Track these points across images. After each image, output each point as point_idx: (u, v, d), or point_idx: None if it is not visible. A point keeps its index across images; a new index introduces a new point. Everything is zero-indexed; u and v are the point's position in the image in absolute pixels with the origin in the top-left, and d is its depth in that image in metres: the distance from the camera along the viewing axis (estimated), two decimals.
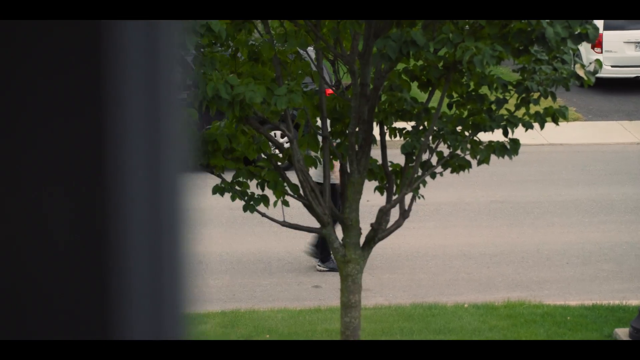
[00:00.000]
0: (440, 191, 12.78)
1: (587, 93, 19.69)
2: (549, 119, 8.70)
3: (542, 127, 8.70)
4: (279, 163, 8.46)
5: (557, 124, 8.86)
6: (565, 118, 8.81)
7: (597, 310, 10.03)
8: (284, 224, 8.28)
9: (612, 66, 20.22)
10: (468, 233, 11.92)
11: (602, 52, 20.04)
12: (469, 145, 8.64)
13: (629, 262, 10.86)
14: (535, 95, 8.61)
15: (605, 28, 20.01)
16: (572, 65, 8.99)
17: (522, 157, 14.42)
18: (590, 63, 9.03)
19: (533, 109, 8.66)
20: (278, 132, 10.56)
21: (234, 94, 7.48)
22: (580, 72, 8.80)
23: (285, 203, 8.24)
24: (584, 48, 19.74)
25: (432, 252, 11.73)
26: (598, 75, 20.78)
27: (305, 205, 8.21)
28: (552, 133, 14.82)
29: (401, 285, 11.10)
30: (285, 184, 8.27)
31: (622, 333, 9.34)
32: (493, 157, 8.70)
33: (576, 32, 8.30)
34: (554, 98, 8.59)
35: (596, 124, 18.25)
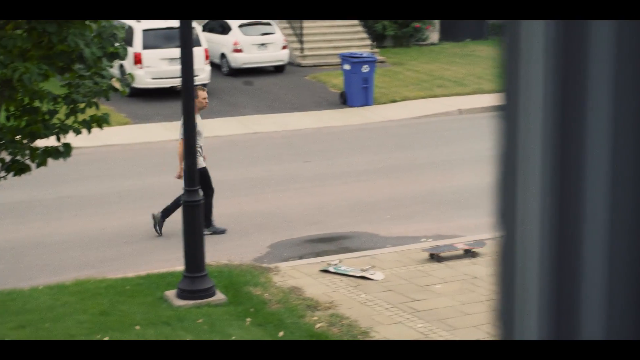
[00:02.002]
0: (15, 191, 12.70)
1: (134, 102, 20.31)
2: (94, 124, 8.96)
3: (89, 132, 8.95)
4: None
5: (102, 128, 9.11)
6: (108, 123, 9.06)
7: (151, 278, 10.20)
8: None
9: (152, 78, 20.95)
10: (40, 225, 11.93)
11: (142, 68, 20.78)
12: (27, 152, 8.74)
13: (175, 237, 11.25)
14: (82, 105, 8.85)
15: (145, 47, 20.68)
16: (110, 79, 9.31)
17: (84, 158, 14.73)
18: (125, 77, 9.40)
19: (81, 117, 8.89)
20: None
21: None
22: (117, 85, 9.18)
23: None
24: (129, 64, 20.26)
25: (10, 245, 11.56)
26: (142, 86, 21.68)
27: None
28: (108, 135, 15.24)
29: None
30: None
31: (171, 294, 9.77)
32: (59, 160, 8.79)
33: (109, 52, 8.71)
34: (97, 107, 8.92)
35: (143, 126, 18.85)
